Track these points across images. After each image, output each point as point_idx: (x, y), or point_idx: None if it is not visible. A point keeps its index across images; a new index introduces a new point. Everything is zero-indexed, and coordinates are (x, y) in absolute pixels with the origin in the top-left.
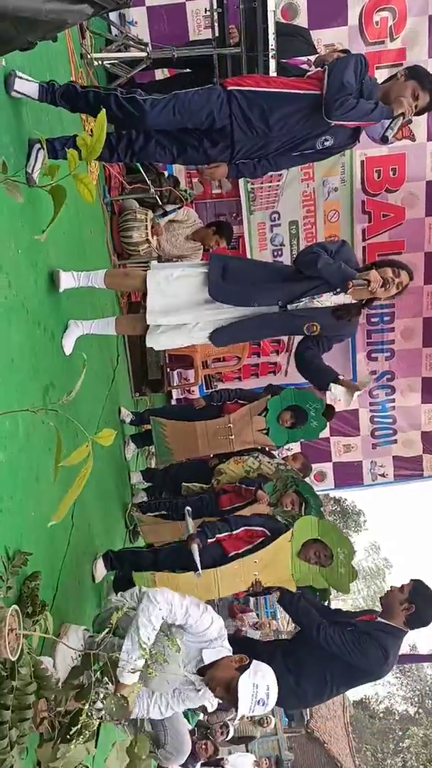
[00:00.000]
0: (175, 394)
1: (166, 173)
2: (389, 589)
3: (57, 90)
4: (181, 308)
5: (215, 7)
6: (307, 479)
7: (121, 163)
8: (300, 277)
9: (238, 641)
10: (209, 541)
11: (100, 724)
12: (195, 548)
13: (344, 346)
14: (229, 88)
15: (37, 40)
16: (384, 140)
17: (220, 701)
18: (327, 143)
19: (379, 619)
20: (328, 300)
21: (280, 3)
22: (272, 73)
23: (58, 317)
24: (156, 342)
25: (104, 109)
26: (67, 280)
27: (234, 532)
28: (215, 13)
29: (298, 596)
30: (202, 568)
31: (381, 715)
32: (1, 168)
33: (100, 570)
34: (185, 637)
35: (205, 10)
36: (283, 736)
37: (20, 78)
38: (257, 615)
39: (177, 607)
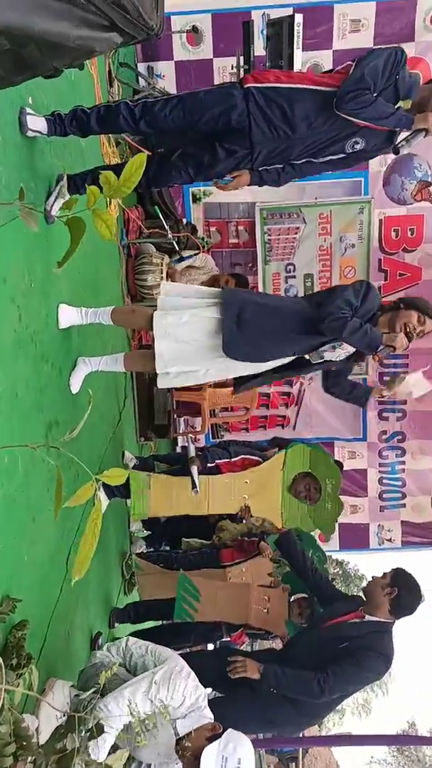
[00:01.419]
0: (180, 441)
1: (184, 220)
2: (371, 579)
3: (65, 118)
4: (190, 357)
5: (242, 64)
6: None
7: (140, 208)
8: (316, 329)
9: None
10: (209, 465)
11: None
12: (194, 469)
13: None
14: (247, 85)
15: (63, 68)
16: (395, 152)
17: None
18: (357, 146)
19: (367, 617)
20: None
21: (307, 63)
22: None
23: (67, 354)
24: (168, 384)
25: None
26: (70, 317)
27: (232, 459)
28: (241, 70)
29: (281, 672)
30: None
31: None
32: (18, 195)
33: (104, 502)
34: None
35: (232, 66)
36: None
37: (30, 115)
38: None
39: (141, 705)
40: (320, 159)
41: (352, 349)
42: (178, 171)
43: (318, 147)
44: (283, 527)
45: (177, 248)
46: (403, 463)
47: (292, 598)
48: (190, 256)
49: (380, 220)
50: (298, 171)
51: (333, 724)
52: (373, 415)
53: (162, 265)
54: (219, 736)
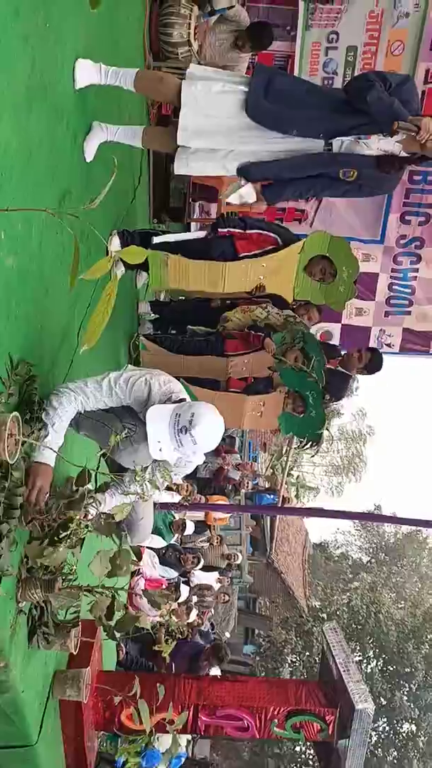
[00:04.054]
0: (193, 227)
1: None
2: (351, 355)
3: None
4: (215, 131)
5: None
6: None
7: None
8: (349, 109)
9: None
10: (222, 231)
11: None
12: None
13: (378, 205)
14: None
15: None
16: None
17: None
18: None
19: (339, 367)
20: (375, 144)
21: None
22: None
23: (83, 115)
24: (185, 167)
25: None
26: (90, 75)
27: (248, 231)
28: None
29: None
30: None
31: (336, 558)
32: None
33: (115, 245)
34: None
35: None
36: (246, 562)
37: None
38: (240, 457)
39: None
40: None
41: (375, 150)
42: None
43: None
44: (294, 300)
45: None
46: (416, 270)
47: (286, 392)
48: (224, 10)
49: None
50: None
51: (307, 500)
52: (395, 217)
53: (190, 18)
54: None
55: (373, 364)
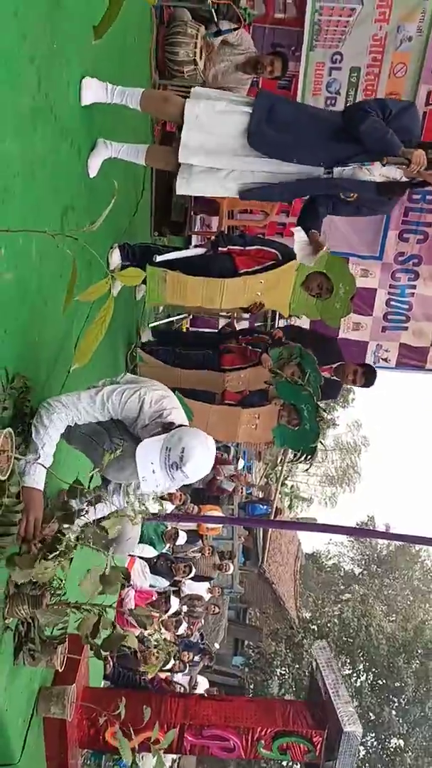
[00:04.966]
0: (194, 240)
1: None
2: (347, 373)
3: None
4: (216, 150)
5: None
6: None
7: None
8: (348, 137)
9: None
10: (221, 250)
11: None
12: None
13: (377, 222)
14: None
15: None
16: None
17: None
18: None
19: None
20: (378, 170)
21: None
22: None
23: (88, 132)
24: (185, 187)
25: None
26: (96, 93)
27: (247, 248)
28: None
29: None
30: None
31: (328, 569)
32: None
33: (115, 259)
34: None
35: None
36: (237, 572)
37: None
38: (234, 468)
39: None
40: None
41: (377, 177)
42: None
43: None
44: (290, 314)
45: (215, 18)
46: (414, 287)
47: (282, 405)
48: (229, 30)
49: None
50: None
51: (301, 510)
52: (393, 234)
53: (197, 38)
54: (168, 429)
55: (366, 383)
